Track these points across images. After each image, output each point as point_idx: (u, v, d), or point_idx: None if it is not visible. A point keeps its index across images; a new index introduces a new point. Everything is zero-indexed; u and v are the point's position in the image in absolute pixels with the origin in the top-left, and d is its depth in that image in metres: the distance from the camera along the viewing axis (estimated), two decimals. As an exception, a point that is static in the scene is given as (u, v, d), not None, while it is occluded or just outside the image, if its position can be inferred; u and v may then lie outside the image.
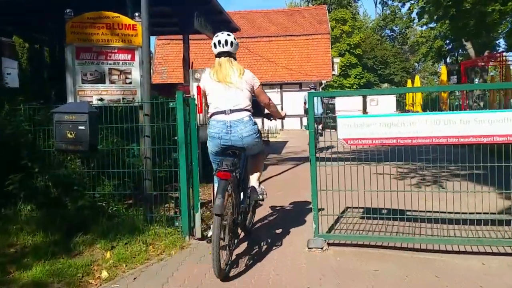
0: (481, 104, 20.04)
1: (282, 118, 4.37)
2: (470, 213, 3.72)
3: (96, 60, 4.98)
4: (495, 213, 4.36)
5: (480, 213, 4.26)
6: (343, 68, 36.48)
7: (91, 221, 4.40)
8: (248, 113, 3.71)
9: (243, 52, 23.64)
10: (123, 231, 4.22)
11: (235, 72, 3.69)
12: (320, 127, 12.90)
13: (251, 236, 4.26)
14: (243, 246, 4.03)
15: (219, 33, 3.81)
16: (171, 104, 4.29)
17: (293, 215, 5.10)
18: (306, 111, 12.51)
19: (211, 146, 3.75)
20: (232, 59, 3.77)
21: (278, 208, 5.47)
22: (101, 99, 4.93)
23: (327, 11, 28.02)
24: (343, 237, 3.86)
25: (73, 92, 4.95)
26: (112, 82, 5.00)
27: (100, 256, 3.83)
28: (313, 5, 39.59)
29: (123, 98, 5.01)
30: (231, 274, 3.38)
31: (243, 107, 3.68)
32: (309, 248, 3.80)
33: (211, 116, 3.75)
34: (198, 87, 6.40)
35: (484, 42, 20.88)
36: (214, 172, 3.61)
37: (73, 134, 4.20)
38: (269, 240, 4.19)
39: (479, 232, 3.84)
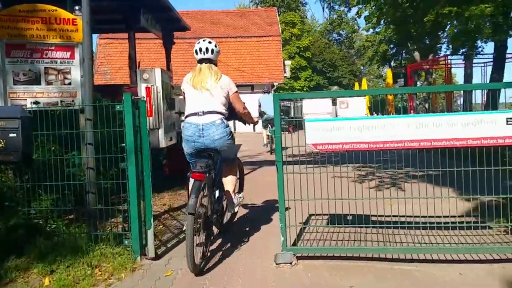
0: (426, 105, 20.92)
1: (255, 123, 4.63)
2: (443, 217, 3.61)
3: (30, 58, 4.44)
4: (458, 216, 4.32)
5: (446, 216, 4.19)
6: (293, 71, 36.90)
7: (26, 242, 3.87)
8: (221, 116, 3.88)
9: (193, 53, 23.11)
10: (64, 252, 3.73)
11: (212, 77, 3.90)
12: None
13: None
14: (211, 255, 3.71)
15: (201, 40, 4.03)
16: (118, 107, 3.86)
17: (257, 224, 4.81)
18: (261, 113, 12.40)
19: (186, 148, 3.94)
20: (213, 66, 4.01)
21: (241, 216, 5.17)
22: (36, 102, 4.39)
23: (277, 14, 28.09)
24: (314, 249, 3.61)
25: (3, 94, 4.37)
26: (48, 83, 4.48)
27: (37, 283, 3.34)
28: (262, 7, 39.79)
29: (61, 101, 4.50)
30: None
31: (215, 110, 3.86)
32: (277, 264, 3.52)
33: (185, 117, 3.95)
34: (147, 88, 5.96)
35: (428, 46, 21.77)
36: (188, 173, 3.76)
37: (2, 143, 3.66)
38: (232, 256, 3.87)
39: (452, 237, 3.75)
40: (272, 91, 21.16)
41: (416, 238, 3.83)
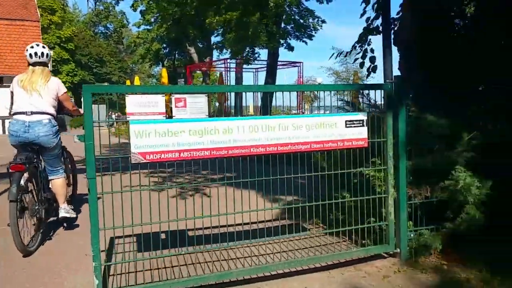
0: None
1: (81, 114, 4.72)
2: (258, 222, 3.47)
3: None
4: (273, 220, 4.35)
5: (262, 221, 4.09)
6: (53, 64, 33.46)
7: None
8: (49, 116, 4.27)
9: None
10: None
11: (42, 80, 4.28)
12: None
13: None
14: None
15: (34, 45, 4.42)
16: None
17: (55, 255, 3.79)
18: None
19: (10, 141, 4.27)
20: (46, 68, 4.40)
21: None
22: None
23: (34, -5, 24.73)
24: (145, 289, 2.92)
25: None
26: None
27: None
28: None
29: None
30: None
31: (43, 110, 4.25)
32: (94, 318, 2.72)
33: (13, 115, 4.25)
34: None
35: (205, 49, 22.82)
36: (8, 165, 3.93)
37: None
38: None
39: (282, 244, 3.66)
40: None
41: (245, 251, 3.62)
